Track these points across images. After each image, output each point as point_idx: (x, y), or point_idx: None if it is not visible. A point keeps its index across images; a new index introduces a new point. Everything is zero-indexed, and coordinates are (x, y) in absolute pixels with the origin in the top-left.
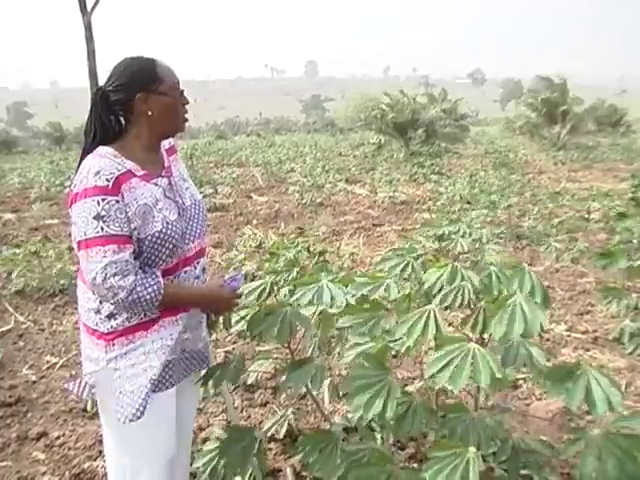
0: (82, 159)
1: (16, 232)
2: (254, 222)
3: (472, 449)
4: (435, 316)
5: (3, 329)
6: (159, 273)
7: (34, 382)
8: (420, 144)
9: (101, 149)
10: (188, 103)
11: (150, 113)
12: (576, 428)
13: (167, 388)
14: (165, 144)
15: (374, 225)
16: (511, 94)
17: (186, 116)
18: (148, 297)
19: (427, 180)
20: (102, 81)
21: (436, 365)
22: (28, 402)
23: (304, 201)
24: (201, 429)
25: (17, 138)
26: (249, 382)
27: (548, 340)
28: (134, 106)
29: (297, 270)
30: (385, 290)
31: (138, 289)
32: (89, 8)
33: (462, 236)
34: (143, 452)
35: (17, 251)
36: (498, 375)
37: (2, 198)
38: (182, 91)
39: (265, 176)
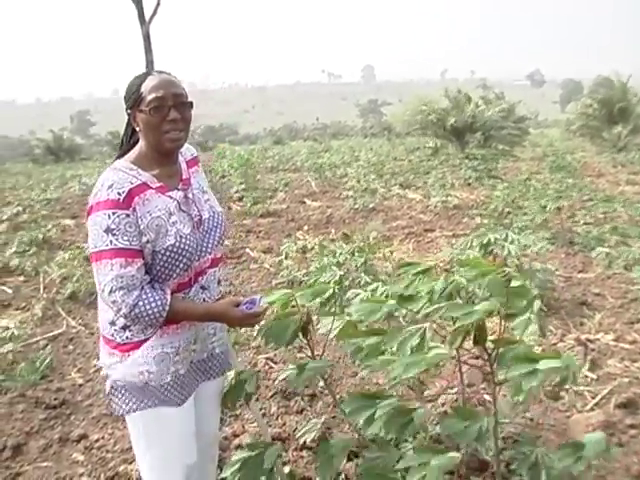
0: None
1: (74, 238)
2: (305, 228)
3: (454, 454)
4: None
5: (55, 333)
6: (168, 289)
7: (80, 385)
8: (477, 147)
9: (118, 162)
10: (175, 120)
11: (139, 129)
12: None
13: (180, 404)
14: (187, 156)
15: (425, 230)
16: (571, 95)
17: (172, 134)
18: (150, 312)
19: (481, 184)
20: None
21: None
22: (72, 405)
23: (356, 206)
24: (235, 435)
25: (80, 146)
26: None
27: (593, 350)
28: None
29: (341, 273)
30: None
31: (140, 304)
32: (147, 19)
33: (510, 242)
34: (161, 461)
35: (69, 256)
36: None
37: (63, 204)
38: (167, 106)
39: (319, 181)
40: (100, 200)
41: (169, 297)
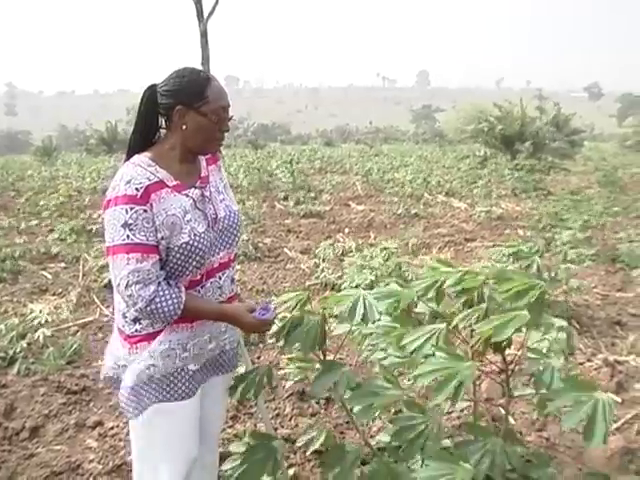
0: (128, 157)
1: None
2: (346, 230)
3: (467, 466)
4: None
5: (86, 320)
6: (182, 286)
7: None
8: (527, 158)
9: (137, 157)
10: (228, 130)
11: (184, 127)
12: None
13: (185, 398)
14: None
15: (466, 240)
16: (629, 109)
17: (220, 142)
18: (166, 309)
19: (528, 196)
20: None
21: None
22: (93, 392)
23: (399, 211)
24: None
25: None
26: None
27: (621, 372)
28: (172, 116)
29: (372, 278)
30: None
31: (157, 300)
32: (205, 16)
33: (540, 255)
34: (162, 455)
35: None
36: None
37: None
38: (226, 117)
39: (366, 185)
40: (118, 195)
41: (184, 294)
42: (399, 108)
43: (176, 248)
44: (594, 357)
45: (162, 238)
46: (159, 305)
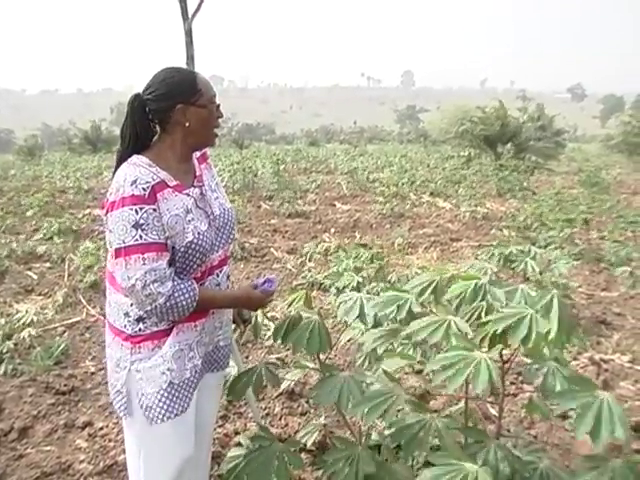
0: (118, 166)
1: (102, 228)
2: (332, 230)
3: (474, 466)
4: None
5: (73, 320)
6: (193, 280)
7: (92, 373)
8: (511, 158)
9: (136, 158)
10: (222, 117)
11: (187, 124)
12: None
13: (190, 402)
14: (197, 152)
15: (451, 240)
16: (612, 110)
17: (217, 130)
18: (184, 303)
19: (513, 196)
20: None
21: (437, 364)
22: (81, 392)
23: (385, 211)
24: (237, 433)
25: (118, 137)
26: (283, 388)
27: (607, 371)
28: (172, 116)
29: (359, 280)
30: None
31: (176, 294)
32: (190, 15)
33: (532, 257)
34: (159, 456)
35: (95, 245)
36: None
37: (96, 195)
38: (218, 105)
39: (351, 185)
40: (125, 196)
41: (197, 287)
42: (384, 108)
43: (182, 248)
44: (580, 356)
45: (167, 238)
46: (178, 300)
